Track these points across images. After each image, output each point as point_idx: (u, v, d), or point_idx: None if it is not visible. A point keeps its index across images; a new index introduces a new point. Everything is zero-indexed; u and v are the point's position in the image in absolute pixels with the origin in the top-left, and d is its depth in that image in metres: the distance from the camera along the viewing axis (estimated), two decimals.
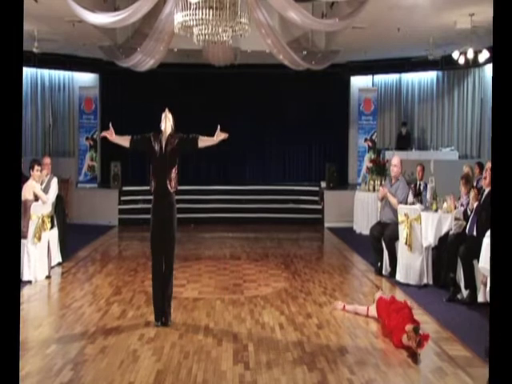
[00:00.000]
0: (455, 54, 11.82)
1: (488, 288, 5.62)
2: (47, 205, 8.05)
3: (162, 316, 5.79)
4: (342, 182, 15.06)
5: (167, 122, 5.86)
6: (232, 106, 15.43)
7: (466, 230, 6.97)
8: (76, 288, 7.44)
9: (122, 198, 14.11)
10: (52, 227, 8.30)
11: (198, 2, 7.49)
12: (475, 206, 6.84)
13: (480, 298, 6.42)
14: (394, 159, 8.57)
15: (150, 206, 5.92)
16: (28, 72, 14.51)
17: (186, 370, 4.58)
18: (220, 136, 5.92)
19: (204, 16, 7.54)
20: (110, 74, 14.89)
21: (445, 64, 14.51)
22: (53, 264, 8.37)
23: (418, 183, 9.46)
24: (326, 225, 13.65)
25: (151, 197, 5.91)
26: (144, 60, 11.43)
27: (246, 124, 15.53)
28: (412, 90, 15.79)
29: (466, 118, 14.85)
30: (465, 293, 6.70)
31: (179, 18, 7.75)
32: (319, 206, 14.25)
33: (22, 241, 7.36)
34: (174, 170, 5.82)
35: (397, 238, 7.87)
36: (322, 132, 15.78)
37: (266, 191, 14.93)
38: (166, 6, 9.25)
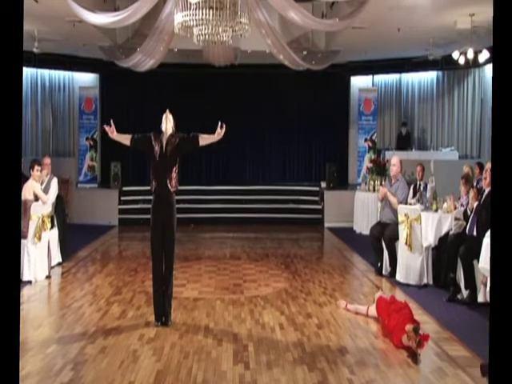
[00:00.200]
0: (455, 54, 11.82)
1: (488, 288, 5.62)
2: (47, 205, 8.05)
3: (162, 316, 5.80)
4: (342, 182, 15.07)
5: (168, 123, 5.86)
6: (232, 106, 15.42)
7: (466, 230, 6.97)
8: (76, 288, 7.44)
9: (122, 198, 14.11)
10: (52, 227, 8.31)
11: (198, 2, 7.49)
12: (475, 206, 6.83)
13: (480, 298, 6.42)
14: (394, 159, 8.58)
15: (149, 206, 5.91)
16: (28, 72, 14.51)
17: (186, 370, 4.58)
18: (220, 133, 5.91)
19: (204, 16, 7.55)
20: (110, 74, 14.89)
21: (445, 64, 14.51)
22: (53, 264, 8.37)
23: (418, 183, 9.45)
24: (326, 225, 13.65)
25: (151, 197, 5.91)
26: (144, 60, 11.43)
27: (246, 124, 15.53)
28: (412, 90, 15.79)
29: (466, 118, 14.84)
30: (465, 293, 6.70)
31: (179, 18, 7.75)
32: (319, 206, 14.25)
33: (22, 241, 7.37)
34: (174, 170, 5.82)
35: (397, 238, 7.87)
36: (322, 132, 15.79)
37: (266, 191, 14.93)
38: (165, 6, 9.25)
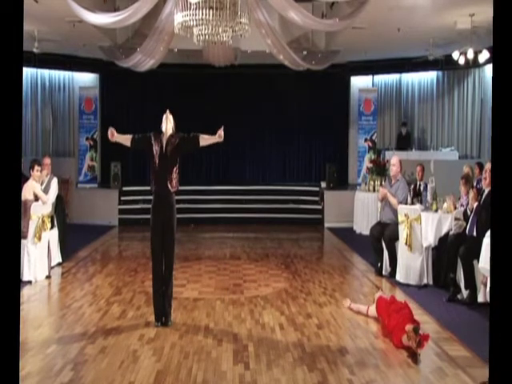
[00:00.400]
0: (455, 55, 11.82)
1: (488, 288, 5.62)
2: (47, 205, 8.06)
3: (162, 316, 5.79)
4: (342, 182, 15.06)
5: (168, 124, 5.86)
6: (232, 106, 15.44)
7: (466, 231, 6.97)
8: (76, 288, 7.44)
9: (122, 198, 14.11)
10: (52, 227, 8.31)
11: (198, 3, 7.49)
12: (475, 206, 6.83)
13: (480, 299, 6.42)
14: (393, 159, 8.58)
15: (149, 206, 5.91)
16: (28, 72, 14.51)
17: (186, 370, 4.58)
18: (220, 134, 5.91)
19: (204, 16, 7.55)
20: (110, 74, 14.89)
21: (445, 64, 14.51)
22: (53, 264, 8.37)
23: (418, 183, 9.46)
24: (326, 225, 13.65)
25: (151, 197, 5.91)
26: (144, 60, 11.44)
27: (246, 124, 15.55)
28: (412, 90, 15.79)
29: (466, 118, 14.84)
30: (465, 293, 6.70)
31: (179, 18, 7.75)
32: (319, 206, 14.25)
33: (22, 241, 7.37)
34: (174, 170, 5.82)
35: (397, 239, 7.87)
36: (322, 132, 15.79)
37: (266, 191, 14.93)
38: (165, 6, 9.26)
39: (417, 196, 8.75)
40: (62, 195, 10.71)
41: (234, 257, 9.87)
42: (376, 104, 15.23)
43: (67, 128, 15.39)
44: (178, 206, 5.95)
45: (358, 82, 15.91)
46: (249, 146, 15.84)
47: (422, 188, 9.21)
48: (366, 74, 15.83)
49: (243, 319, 6.04)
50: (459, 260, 6.75)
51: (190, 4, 7.53)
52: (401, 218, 7.65)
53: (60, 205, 9.23)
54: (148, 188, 6.13)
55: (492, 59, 2.45)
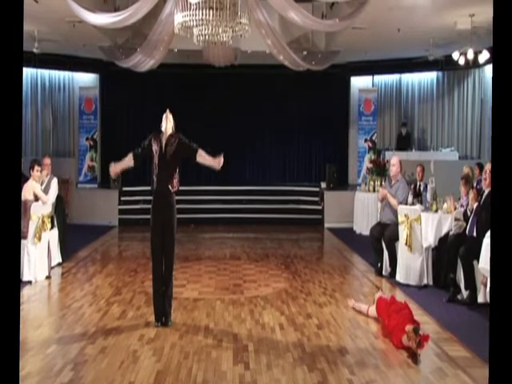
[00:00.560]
0: (455, 55, 11.82)
1: (488, 288, 5.62)
2: (47, 205, 8.05)
3: (162, 316, 5.79)
4: (342, 182, 15.06)
5: (168, 123, 5.85)
6: (232, 106, 15.45)
7: (466, 231, 6.97)
8: (76, 288, 7.44)
9: (122, 199, 14.11)
10: (52, 227, 8.31)
11: (198, 3, 7.49)
12: (475, 206, 6.83)
13: (480, 299, 6.42)
14: (393, 159, 8.58)
15: (150, 206, 5.91)
16: (28, 72, 14.52)
17: (186, 370, 4.58)
18: (220, 161, 5.94)
19: (204, 16, 7.55)
20: (110, 74, 14.89)
21: (445, 64, 14.52)
22: (53, 264, 8.37)
23: (418, 184, 9.46)
24: (326, 225, 13.65)
25: (151, 197, 5.91)
26: (144, 60, 11.44)
27: (246, 124, 15.57)
28: (412, 91, 15.79)
29: (466, 118, 14.85)
30: (465, 293, 6.70)
31: (179, 18, 7.75)
32: (319, 207, 14.25)
33: (22, 241, 7.37)
34: (174, 170, 5.82)
35: (397, 239, 7.87)
36: (322, 132, 15.79)
37: (266, 191, 14.93)
38: (165, 6, 9.26)
39: (417, 196, 8.75)
40: (62, 195, 10.71)
41: (234, 257, 9.87)
42: (376, 104, 15.24)
43: (67, 128, 15.39)
44: (178, 206, 5.95)
45: (358, 82, 15.91)
46: (249, 146, 15.85)
47: (422, 188, 9.21)
48: (366, 74, 15.83)
49: (243, 319, 6.04)
50: (459, 260, 6.75)
51: (190, 4, 7.53)
52: (401, 218, 7.65)
53: (60, 205, 9.23)
54: (148, 188, 6.13)
55: (492, 59, 2.45)
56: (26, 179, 7.85)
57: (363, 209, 12.68)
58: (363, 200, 12.73)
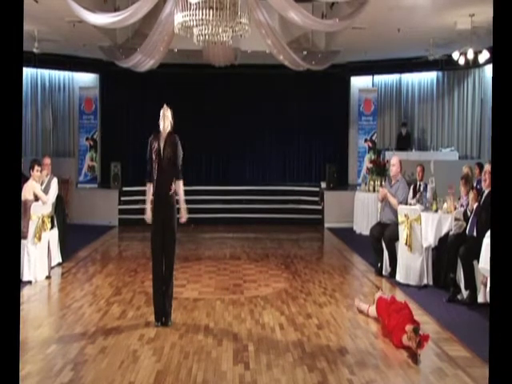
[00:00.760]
0: (455, 55, 11.82)
1: (488, 288, 5.62)
2: (47, 205, 8.06)
3: (162, 316, 5.79)
4: (342, 182, 15.06)
5: (165, 121, 5.81)
6: (232, 106, 15.45)
7: (466, 231, 6.97)
8: (76, 288, 7.44)
9: (122, 199, 14.11)
10: (52, 227, 8.31)
11: (198, 3, 7.49)
12: (475, 206, 6.83)
13: (480, 299, 6.42)
14: (393, 159, 8.59)
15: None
16: (28, 72, 14.52)
17: (186, 370, 4.59)
18: (184, 217, 5.82)
19: (204, 16, 7.54)
20: (110, 74, 14.89)
21: (445, 64, 14.51)
22: (53, 264, 8.37)
23: (418, 184, 9.46)
24: (326, 225, 13.65)
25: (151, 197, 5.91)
26: (144, 60, 11.44)
27: (246, 124, 15.58)
28: (412, 91, 15.79)
29: (466, 118, 14.85)
30: (465, 293, 6.70)
31: (179, 18, 7.75)
32: (319, 207, 14.25)
33: (22, 241, 7.37)
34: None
35: (397, 239, 7.87)
36: (322, 132, 15.79)
37: (266, 191, 14.93)
38: (165, 6, 9.26)
39: (417, 196, 8.75)
40: (62, 195, 10.71)
41: (234, 257, 9.87)
42: (376, 104, 15.23)
43: (67, 128, 15.39)
44: (178, 206, 5.95)
45: (358, 82, 15.91)
46: (249, 146, 15.85)
47: (422, 188, 9.21)
48: (366, 74, 15.83)
49: (243, 319, 6.04)
50: (459, 260, 6.75)
51: (190, 4, 7.53)
52: (401, 218, 7.64)
53: (60, 205, 9.23)
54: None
55: (492, 59, 2.45)
56: (26, 179, 7.85)
57: (363, 209, 12.68)
58: (363, 200, 12.73)
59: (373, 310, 6.02)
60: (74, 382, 4.33)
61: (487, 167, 7.01)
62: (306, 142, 16.01)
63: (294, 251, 10.46)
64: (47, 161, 8.85)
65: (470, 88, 14.73)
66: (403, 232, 7.59)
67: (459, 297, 6.75)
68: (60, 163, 13.08)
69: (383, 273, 8.25)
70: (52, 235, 8.34)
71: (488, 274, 5.54)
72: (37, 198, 7.91)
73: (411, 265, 7.55)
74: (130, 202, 13.95)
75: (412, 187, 9.05)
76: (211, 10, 7.53)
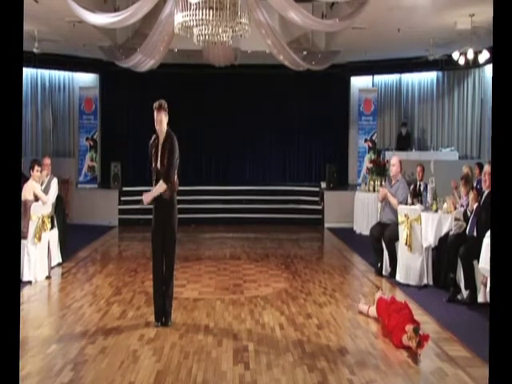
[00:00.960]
0: (455, 55, 11.82)
1: (488, 288, 5.62)
2: (47, 205, 8.06)
3: (163, 316, 5.79)
4: (342, 182, 15.06)
5: (161, 125, 5.73)
6: (232, 106, 15.46)
7: (466, 231, 6.96)
8: (76, 288, 7.44)
9: (122, 199, 14.11)
10: (52, 227, 8.31)
11: (198, 3, 7.49)
12: (475, 206, 6.83)
13: (480, 299, 6.42)
14: (393, 159, 8.58)
15: (150, 206, 5.91)
16: (28, 72, 14.52)
17: (186, 370, 4.58)
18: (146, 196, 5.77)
19: (204, 16, 7.55)
20: (110, 74, 14.89)
21: (445, 64, 14.52)
22: (53, 264, 8.37)
23: (418, 184, 9.46)
24: (326, 225, 13.65)
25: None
26: (144, 60, 11.44)
27: (246, 124, 15.58)
28: (412, 91, 15.79)
29: (466, 118, 14.85)
30: (465, 293, 6.70)
31: (179, 18, 7.75)
32: (319, 207, 14.25)
33: (22, 241, 7.37)
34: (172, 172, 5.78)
35: (397, 239, 7.87)
36: (322, 132, 15.79)
37: (266, 191, 14.94)
38: (166, 6, 9.26)
39: (417, 196, 8.75)
40: (62, 195, 10.71)
41: (234, 257, 9.87)
42: (376, 104, 15.24)
43: (67, 128, 15.39)
44: (178, 206, 5.95)
45: (358, 82, 15.91)
46: (249, 146, 15.86)
47: (422, 188, 9.21)
48: (366, 74, 15.83)
49: (243, 319, 6.04)
50: (459, 260, 6.75)
51: (190, 4, 7.53)
52: (401, 218, 7.64)
53: (60, 205, 9.23)
54: (148, 188, 6.12)
55: (492, 59, 2.45)
56: (26, 179, 7.85)
57: (363, 209, 12.68)
58: (363, 200, 12.73)
59: (373, 311, 6.02)
60: (74, 382, 4.33)
61: (487, 168, 7.01)
62: (306, 141, 16.01)
63: (294, 251, 10.46)
64: (47, 161, 8.86)
65: (470, 88, 14.73)
66: (403, 232, 7.59)
67: (459, 297, 6.75)
68: (60, 163, 13.09)
69: (383, 273, 8.25)
70: (52, 235, 8.34)
71: (488, 274, 5.54)
72: (37, 198, 7.91)
73: (411, 265, 7.55)
74: (130, 202, 13.96)
75: (412, 187, 9.05)
76: (211, 10, 7.54)
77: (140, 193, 13.39)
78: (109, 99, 15.48)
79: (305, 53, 12.11)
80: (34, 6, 9.27)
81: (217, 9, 7.56)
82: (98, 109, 14.98)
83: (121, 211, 13.92)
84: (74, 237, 10.30)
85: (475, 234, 6.69)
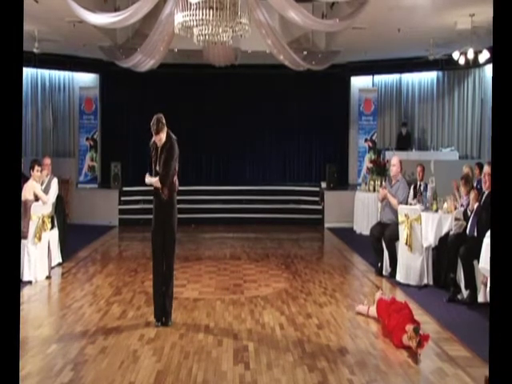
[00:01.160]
0: (455, 55, 11.82)
1: (488, 288, 5.62)
2: (47, 205, 8.06)
3: (163, 316, 5.80)
4: (342, 182, 15.06)
5: (161, 140, 5.68)
6: (232, 106, 15.45)
7: (467, 231, 6.96)
8: (76, 288, 7.44)
9: (123, 199, 14.11)
10: (52, 227, 8.31)
11: (198, 3, 7.49)
12: (475, 206, 6.83)
13: (480, 299, 6.43)
14: (393, 159, 8.59)
15: (150, 206, 5.92)
16: (28, 72, 14.51)
17: (187, 370, 4.59)
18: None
19: (204, 16, 7.54)
20: (110, 74, 14.88)
21: (445, 64, 14.51)
22: (53, 264, 8.37)
23: (419, 183, 9.46)
24: (327, 225, 13.65)
25: (151, 197, 5.91)
26: (144, 60, 11.44)
27: (246, 124, 15.58)
28: (412, 91, 15.78)
29: (466, 118, 14.84)
30: (465, 293, 6.70)
31: (179, 18, 7.75)
32: (319, 207, 14.25)
33: (23, 241, 7.37)
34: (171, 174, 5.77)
35: (397, 239, 7.87)
36: (322, 132, 15.79)
37: (266, 191, 14.94)
38: (166, 6, 9.25)
39: (417, 196, 8.75)
40: (62, 195, 10.71)
41: (234, 257, 9.87)
42: (376, 104, 15.24)
43: (67, 128, 15.38)
44: (178, 206, 5.95)
45: (358, 82, 15.90)
46: (249, 146, 15.85)
47: (422, 188, 9.21)
48: (366, 74, 15.81)
49: (243, 319, 6.04)
50: (459, 260, 6.75)
51: (190, 4, 7.53)
52: (401, 218, 7.64)
53: (60, 205, 9.23)
54: (148, 188, 6.13)
55: (492, 59, 2.45)
56: (26, 179, 7.85)
57: (363, 209, 12.68)
58: (363, 200, 12.73)
59: (373, 311, 6.02)
60: (74, 382, 4.33)
61: (486, 169, 7.01)
62: (306, 141, 16.00)
63: (294, 251, 10.46)
64: (47, 161, 8.86)
65: (470, 88, 14.72)
66: (403, 232, 7.59)
67: (459, 297, 6.75)
68: (60, 163, 13.09)
69: (383, 273, 8.25)
70: (52, 235, 8.34)
71: (488, 274, 5.53)
72: (37, 198, 7.91)
73: (411, 265, 7.55)
74: (131, 202, 13.98)
75: (412, 187, 9.05)
76: (211, 10, 7.53)
77: (140, 193, 13.52)
78: (109, 99, 15.47)
79: (305, 53, 12.11)
80: (34, 6, 9.26)
81: (217, 9, 7.56)
82: (98, 109, 14.98)
83: (121, 211, 13.93)
84: (74, 237, 10.30)
85: (475, 233, 6.69)
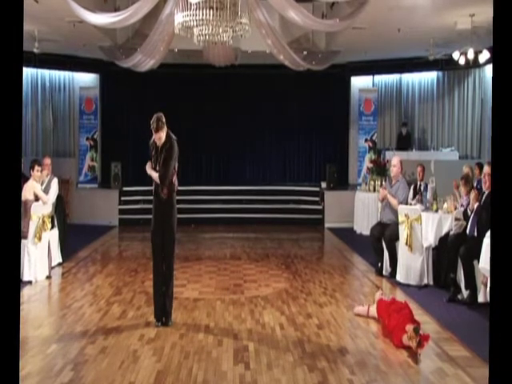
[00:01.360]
0: (455, 55, 11.82)
1: (488, 288, 5.62)
2: (47, 205, 8.06)
3: (163, 316, 5.80)
4: (342, 182, 15.06)
5: (161, 139, 5.68)
6: (232, 106, 15.45)
7: (467, 231, 6.96)
8: (76, 288, 7.44)
9: (123, 199, 14.11)
10: (52, 227, 8.31)
11: (199, 3, 7.49)
12: (475, 206, 6.83)
13: (480, 299, 6.43)
14: (394, 159, 8.58)
15: (150, 206, 5.92)
16: (28, 72, 14.50)
17: (187, 370, 4.59)
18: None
19: (204, 16, 7.55)
20: (110, 74, 14.88)
21: (445, 64, 14.51)
22: (53, 264, 8.37)
23: (419, 183, 9.46)
24: (327, 225, 13.65)
25: (151, 197, 5.91)
26: (144, 60, 11.44)
27: (246, 124, 15.58)
28: (412, 91, 15.77)
29: (466, 118, 14.84)
30: (465, 293, 6.70)
31: (179, 18, 7.75)
32: (320, 207, 14.25)
33: (23, 241, 7.37)
34: (171, 173, 5.76)
35: (397, 239, 7.87)
36: (323, 132, 15.79)
37: (266, 191, 14.94)
38: (166, 6, 9.25)
39: (417, 196, 8.75)
40: (63, 195, 10.71)
41: (235, 257, 9.87)
42: (376, 104, 15.24)
43: (67, 128, 15.38)
44: (178, 206, 5.95)
45: (358, 82, 15.90)
46: (249, 146, 15.85)
47: (422, 188, 9.21)
48: (366, 74, 15.81)
49: (243, 319, 6.04)
50: (459, 260, 6.75)
51: (191, 4, 7.53)
52: (401, 218, 7.64)
53: (60, 205, 9.24)
54: (148, 188, 6.13)
55: (492, 59, 2.45)
56: (26, 179, 7.86)
57: (363, 209, 12.68)
58: (363, 200, 12.73)
59: (373, 311, 6.01)
60: (74, 382, 4.33)
61: (486, 169, 7.01)
62: (306, 141, 16.00)
63: (294, 251, 10.46)
64: (47, 161, 8.86)
65: (470, 88, 14.72)
66: (403, 232, 7.59)
67: (459, 297, 6.75)
68: (60, 163, 13.09)
69: (383, 273, 8.25)
70: (52, 235, 8.34)
71: (488, 274, 5.53)
72: (37, 198, 7.91)
73: (411, 265, 7.55)
74: (131, 202, 13.98)
75: (412, 187, 9.05)
76: (211, 10, 7.54)
77: (140, 193, 13.53)
78: (109, 99, 15.47)
79: (305, 53, 12.11)
80: (34, 6, 9.26)
81: (217, 9, 7.56)
82: (98, 109, 14.98)
83: (121, 211, 13.93)
84: (74, 237, 10.31)
85: (475, 233, 6.69)
